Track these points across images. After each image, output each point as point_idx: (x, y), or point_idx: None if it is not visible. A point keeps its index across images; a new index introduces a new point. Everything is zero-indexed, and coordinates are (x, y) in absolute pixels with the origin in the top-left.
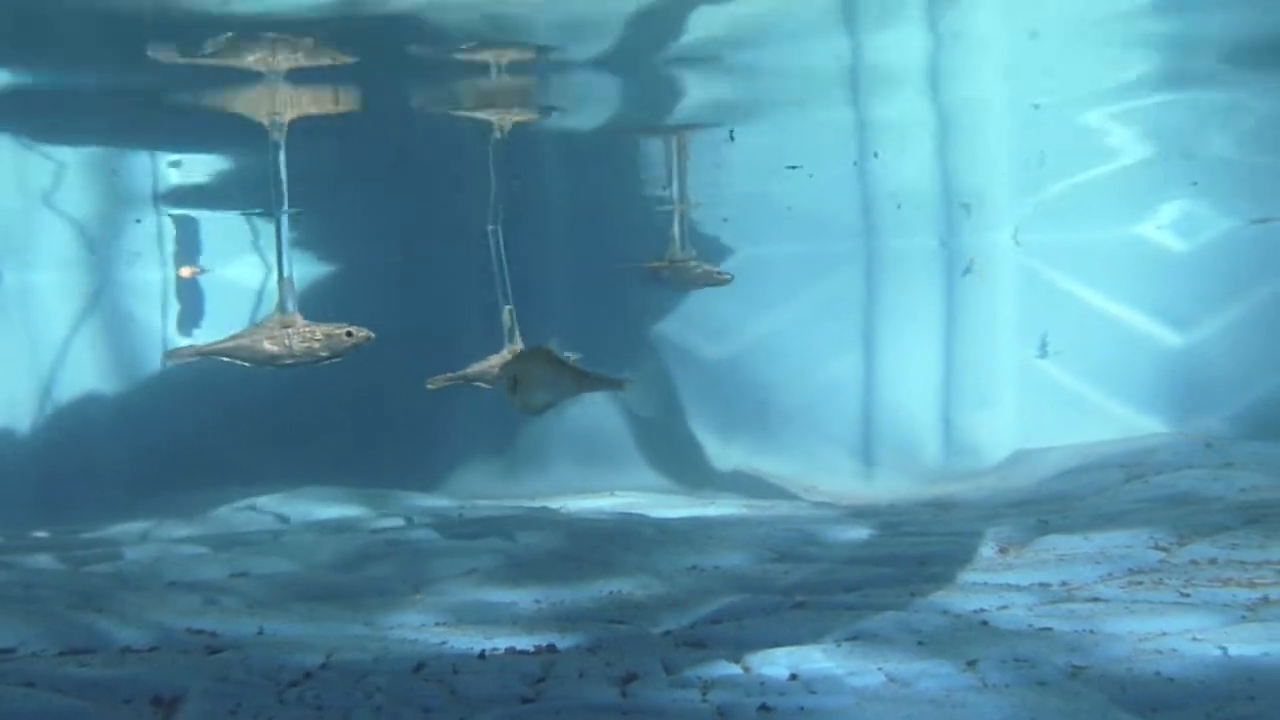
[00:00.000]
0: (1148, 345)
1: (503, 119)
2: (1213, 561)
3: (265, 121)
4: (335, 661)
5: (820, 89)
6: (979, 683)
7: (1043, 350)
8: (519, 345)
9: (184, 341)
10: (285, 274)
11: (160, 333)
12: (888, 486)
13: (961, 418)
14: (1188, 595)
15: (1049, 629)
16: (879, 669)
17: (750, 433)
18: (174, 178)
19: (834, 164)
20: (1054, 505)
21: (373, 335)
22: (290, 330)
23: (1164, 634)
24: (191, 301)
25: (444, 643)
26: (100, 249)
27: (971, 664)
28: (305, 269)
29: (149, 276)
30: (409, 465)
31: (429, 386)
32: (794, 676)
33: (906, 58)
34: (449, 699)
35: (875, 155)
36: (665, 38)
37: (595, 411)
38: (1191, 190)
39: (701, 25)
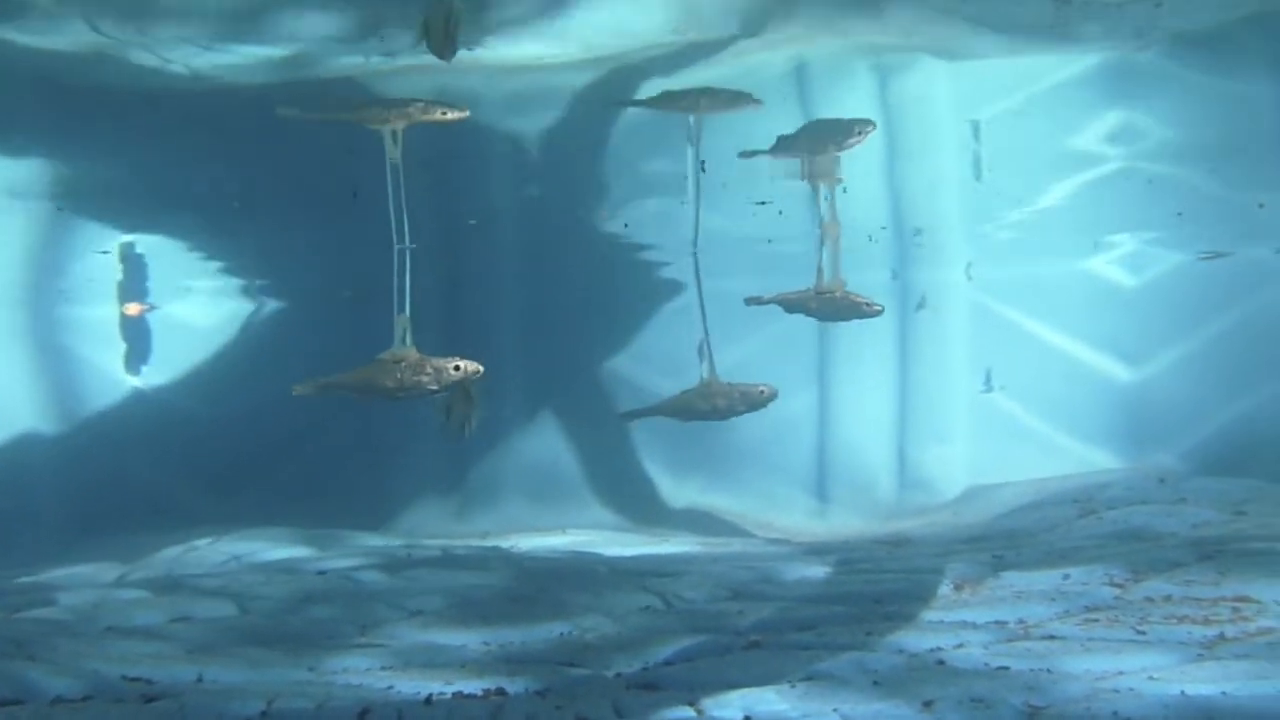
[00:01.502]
0: (1100, 381)
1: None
2: (1168, 598)
3: (382, 129)
4: (276, 709)
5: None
6: None
7: (988, 386)
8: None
9: (131, 380)
10: (402, 310)
11: (104, 372)
12: (842, 523)
13: (915, 454)
14: (1144, 633)
15: (1006, 668)
16: (834, 710)
17: (704, 470)
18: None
19: (790, 198)
20: (1008, 541)
21: (481, 369)
22: (403, 364)
23: (1121, 673)
24: (138, 339)
25: (390, 687)
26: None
27: (928, 704)
28: (249, 306)
29: (92, 314)
30: (356, 505)
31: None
32: (747, 719)
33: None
34: None
35: (844, 190)
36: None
37: (548, 449)
38: (1142, 226)
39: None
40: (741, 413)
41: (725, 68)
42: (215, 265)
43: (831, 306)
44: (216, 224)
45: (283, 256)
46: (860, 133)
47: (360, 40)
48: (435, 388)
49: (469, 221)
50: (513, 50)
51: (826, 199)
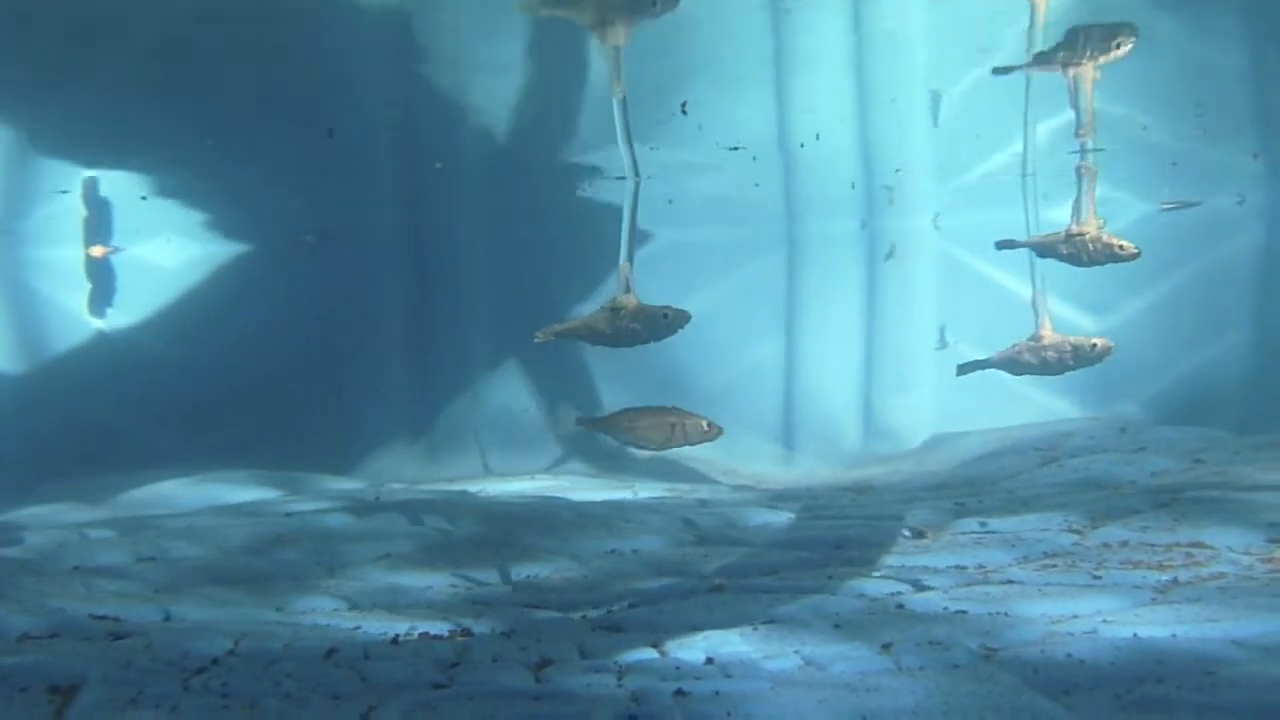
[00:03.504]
0: (1064, 330)
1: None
2: (1124, 544)
3: (600, 42)
4: (243, 648)
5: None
6: (894, 666)
7: (942, 343)
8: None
9: (96, 323)
10: (625, 259)
11: (68, 313)
12: (807, 470)
13: (881, 402)
14: (1099, 578)
15: (964, 612)
16: (795, 652)
17: None
18: None
19: (760, 147)
20: (970, 489)
21: (689, 315)
22: (621, 311)
23: (1076, 616)
24: (102, 281)
25: (356, 628)
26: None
27: (887, 647)
28: (215, 248)
29: (55, 254)
30: (324, 449)
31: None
32: (710, 660)
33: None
34: (359, 685)
35: (817, 138)
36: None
37: (515, 397)
38: (1110, 175)
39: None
40: (1072, 368)
41: None
42: (181, 208)
43: (1084, 250)
44: (185, 165)
45: (251, 199)
46: (1120, 44)
47: None
48: (647, 335)
49: (435, 165)
50: None
51: (1087, 125)
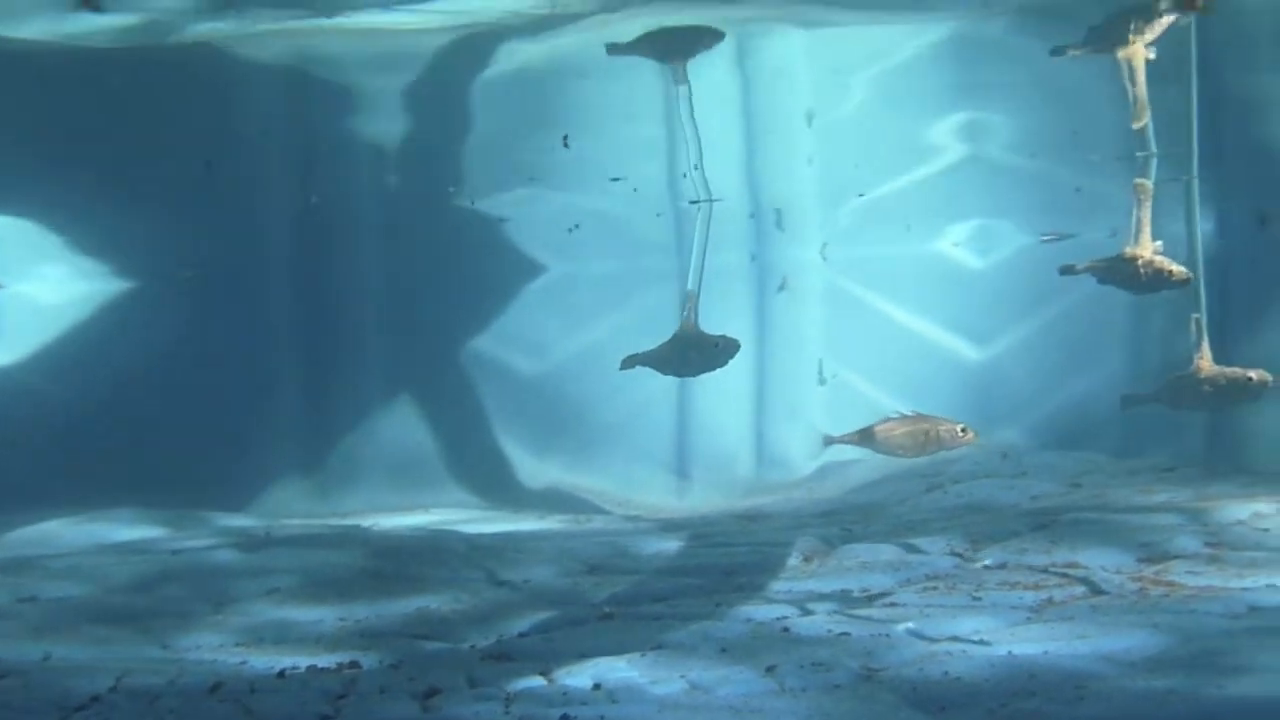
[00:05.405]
0: (948, 359)
1: None
2: (1003, 566)
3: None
4: (125, 685)
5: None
6: (777, 687)
7: (821, 377)
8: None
9: None
10: (693, 284)
11: None
12: (701, 500)
13: (772, 431)
14: (979, 599)
15: (847, 634)
16: (681, 677)
17: (565, 450)
18: None
19: (648, 177)
20: (858, 515)
21: (738, 344)
22: (682, 340)
23: (954, 637)
24: None
25: (243, 662)
26: None
27: (770, 669)
28: (100, 285)
29: None
30: (214, 485)
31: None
32: (597, 686)
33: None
34: (245, 719)
35: (696, 168)
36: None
37: (408, 430)
38: (988, 208)
39: (509, 58)
40: (1230, 402)
41: (587, 33)
42: (65, 244)
43: (1136, 274)
44: (66, 201)
45: (134, 235)
46: (1161, 13)
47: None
48: (701, 365)
49: (311, 199)
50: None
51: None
